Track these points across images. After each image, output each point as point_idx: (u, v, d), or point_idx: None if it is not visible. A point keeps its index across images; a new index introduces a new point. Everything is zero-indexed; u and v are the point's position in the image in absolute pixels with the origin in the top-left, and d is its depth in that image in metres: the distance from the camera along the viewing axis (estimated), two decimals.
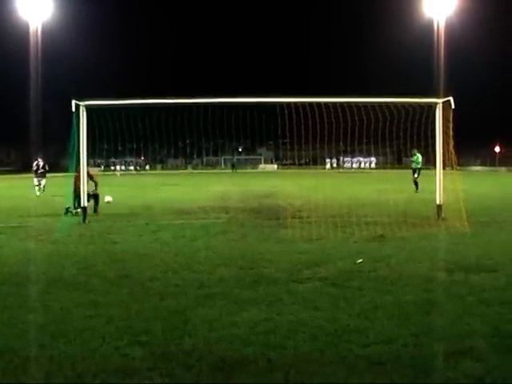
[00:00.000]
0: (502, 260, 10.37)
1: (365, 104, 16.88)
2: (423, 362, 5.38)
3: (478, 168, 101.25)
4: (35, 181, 31.70)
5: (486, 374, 5.10)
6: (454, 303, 7.47)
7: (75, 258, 10.91)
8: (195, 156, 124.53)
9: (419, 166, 30.60)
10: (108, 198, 21.86)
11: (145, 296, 7.91)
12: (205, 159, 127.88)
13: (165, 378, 5.08)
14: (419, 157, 30.60)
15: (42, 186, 31.36)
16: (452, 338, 6.09)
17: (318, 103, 16.63)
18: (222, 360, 5.46)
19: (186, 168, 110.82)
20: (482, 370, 5.17)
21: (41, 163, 32.37)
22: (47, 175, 32.19)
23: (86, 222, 16.70)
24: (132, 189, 37.41)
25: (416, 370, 5.19)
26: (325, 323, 6.57)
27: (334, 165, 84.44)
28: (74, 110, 16.37)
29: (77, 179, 18.49)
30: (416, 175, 30.39)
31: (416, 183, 30.09)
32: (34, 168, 32.35)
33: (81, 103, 16.56)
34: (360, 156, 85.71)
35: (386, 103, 16.95)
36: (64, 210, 18.57)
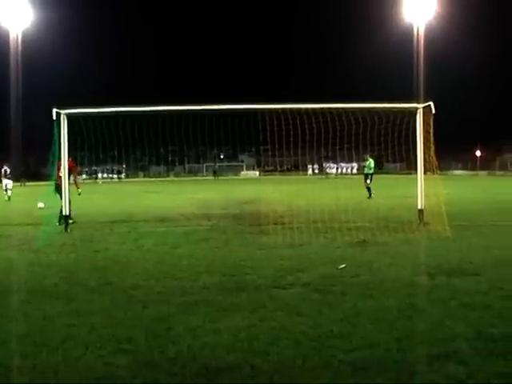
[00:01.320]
0: (484, 263, 10.44)
1: (345, 110, 16.94)
2: (406, 366, 5.41)
3: (459, 172, 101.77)
4: (4, 184, 35.64)
5: (468, 377, 5.13)
6: (437, 307, 7.51)
7: (57, 267, 10.84)
8: (177, 163, 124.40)
9: (371, 172, 30.61)
10: (40, 205, 22.63)
11: (127, 304, 7.87)
12: (187, 166, 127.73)
13: None
14: (371, 162, 30.63)
15: (10, 188, 34.97)
16: (435, 341, 6.12)
17: (299, 109, 16.71)
18: (205, 367, 5.45)
19: (168, 175, 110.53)
20: (465, 373, 5.21)
21: (8, 170, 38.16)
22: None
23: (68, 230, 16.60)
24: (114, 197, 37.35)
25: (399, 374, 5.21)
26: (308, 329, 6.57)
27: (316, 171, 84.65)
28: (54, 118, 16.29)
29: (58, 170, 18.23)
30: (368, 181, 30.39)
31: (368, 189, 30.07)
32: (3, 173, 37.92)
33: (62, 111, 16.45)
34: (342, 162, 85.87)
35: (367, 109, 17.05)
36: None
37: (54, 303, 7.98)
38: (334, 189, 32.99)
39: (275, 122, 16.57)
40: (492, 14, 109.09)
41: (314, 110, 16.73)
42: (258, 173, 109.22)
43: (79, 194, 19.12)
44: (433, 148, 16.51)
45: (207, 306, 7.64)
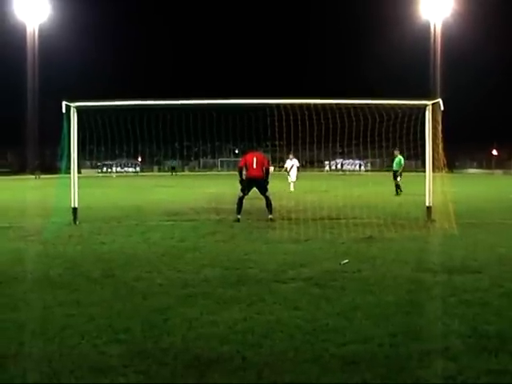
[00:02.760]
0: (487, 261, 10.41)
1: (355, 106, 16.91)
2: (397, 362, 5.41)
3: (474, 170, 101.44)
4: None
5: (457, 374, 5.12)
6: (435, 304, 7.53)
7: (62, 258, 10.93)
8: (192, 158, 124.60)
9: (397, 169, 30.19)
10: None
11: (128, 295, 7.93)
12: (202, 161, 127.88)
13: (139, 375, 5.12)
14: (402, 159, 30.19)
15: None
16: (429, 337, 6.15)
17: (315, 105, 16.72)
18: (197, 358, 5.49)
19: (182, 170, 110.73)
20: (455, 370, 5.20)
21: None
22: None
23: (77, 222, 16.69)
24: (126, 190, 37.43)
25: (389, 370, 5.22)
26: (303, 323, 6.60)
27: (333, 167, 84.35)
28: (64, 111, 16.33)
29: None
30: (398, 178, 29.98)
31: (398, 186, 29.76)
32: None
33: (71, 104, 16.51)
34: (357, 158, 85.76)
35: (376, 105, 16.99)
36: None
37: (56, 293, 8.06)
38: (347, 185, 33.00)
39: (291, 117, 16.60)
40: (509, 11, 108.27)
41: (327, 105, 16.72)
42: (272, 168, 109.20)
43: None
44: (441, 145, 16.47)
45: (206, 299, 7.68)
